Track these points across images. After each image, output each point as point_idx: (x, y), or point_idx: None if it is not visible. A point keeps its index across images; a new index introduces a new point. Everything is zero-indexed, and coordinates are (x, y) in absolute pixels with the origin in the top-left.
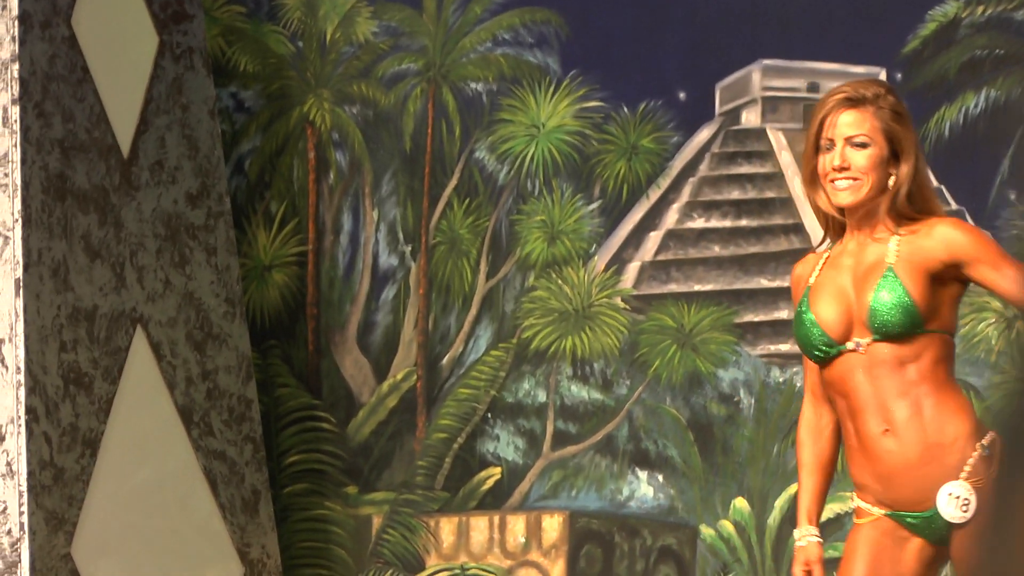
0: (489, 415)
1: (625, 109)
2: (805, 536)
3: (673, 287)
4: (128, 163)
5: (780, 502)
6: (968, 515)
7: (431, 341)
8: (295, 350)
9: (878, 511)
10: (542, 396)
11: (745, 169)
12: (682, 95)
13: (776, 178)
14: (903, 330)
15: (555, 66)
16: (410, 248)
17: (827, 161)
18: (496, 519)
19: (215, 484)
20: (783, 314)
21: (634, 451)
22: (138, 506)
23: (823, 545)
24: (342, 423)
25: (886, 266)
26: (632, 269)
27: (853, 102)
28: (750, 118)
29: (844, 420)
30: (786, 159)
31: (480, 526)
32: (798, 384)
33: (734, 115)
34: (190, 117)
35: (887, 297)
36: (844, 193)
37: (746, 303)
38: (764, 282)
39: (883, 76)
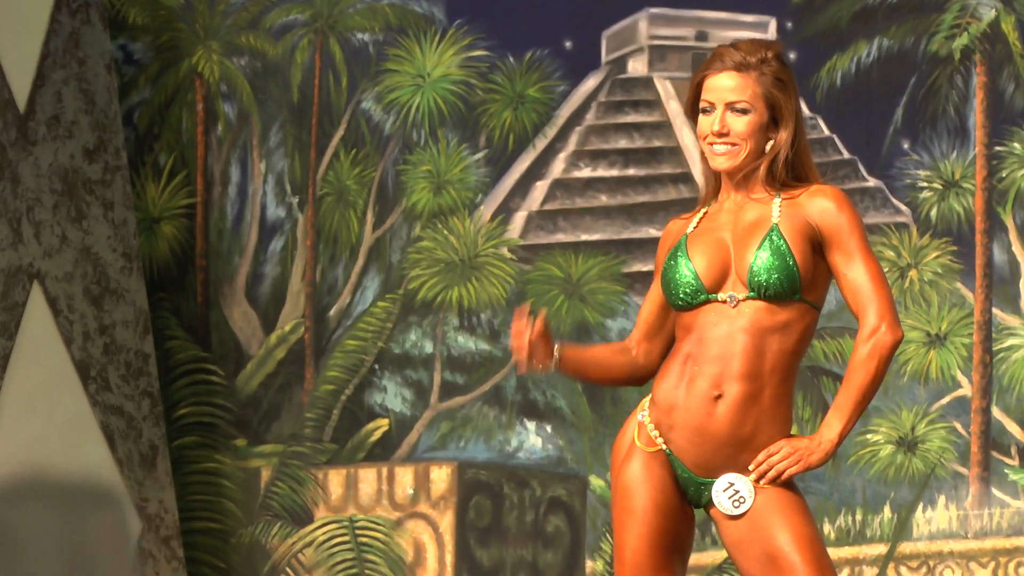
0: (376, 366)
1: (511, 58)
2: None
3: (560, 237)
4: (24, 118)
5: None
6: (737, 512)
7: (319, 292)
8: (184, 302)
9: (661, 444)
10: (429, 347)
11: (632, 118)
12: (568, 44)
13: (664, 127)
14: (781, 291)
15: (441, 15)
16: (297, 199)
17: (707, 123)
18: (384, 471)
19: (112, 439)
20: None
21: (522, 402)
22: (34, 461)
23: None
24: (231, 375)
25: (770, 225)
26: (519, 219)
27: (737, 66)
28: (637, 67)
29: (679, 362)
30: (674, 108)
31: (368, 478)
32: None
33: (620, 64)
34: (87, 71)
35: (769, 256)
36: (722, 158)
37: (634, 253)
38: (652, 231)
39: (773, 25)
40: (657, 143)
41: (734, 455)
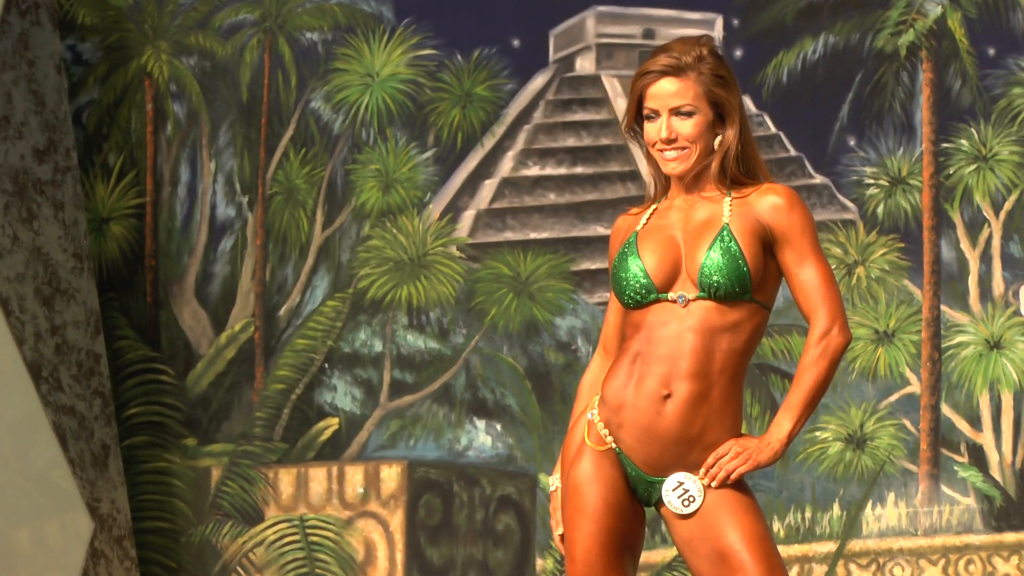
0: (326, 365)
1: (459, 57)
2: (555, 482)
3: (509, 235)
4: None
5: None
6: (687, 511)
7: (268, 292)
8: (134, 302)
9: (611, 443)
10: (379, 346)
11: (580, 116)
12: (516, 42)
13: (611, 125)
14: (731, 292)
15: (389, 15)
16: (247, 199)
17: (654, 131)
18: (335, 470)
19: (64, 439)
20: None
21: (472, 400)
22: None
23: None
24: (181, 375)
25: (721, 225)
26: (467, 217)
27: (675, 70)
28: (584, 65)
29: (627, 361)
30: (621, 106)
31: (319, 477)
32: None
33: (568, 62)
34: (36, 72)
35: (720, 256)
36: (674, 163)
37: (582, 251)
38: (600, 229)
39: (719, 23)
40: (605, 141)
41: (683, 454)
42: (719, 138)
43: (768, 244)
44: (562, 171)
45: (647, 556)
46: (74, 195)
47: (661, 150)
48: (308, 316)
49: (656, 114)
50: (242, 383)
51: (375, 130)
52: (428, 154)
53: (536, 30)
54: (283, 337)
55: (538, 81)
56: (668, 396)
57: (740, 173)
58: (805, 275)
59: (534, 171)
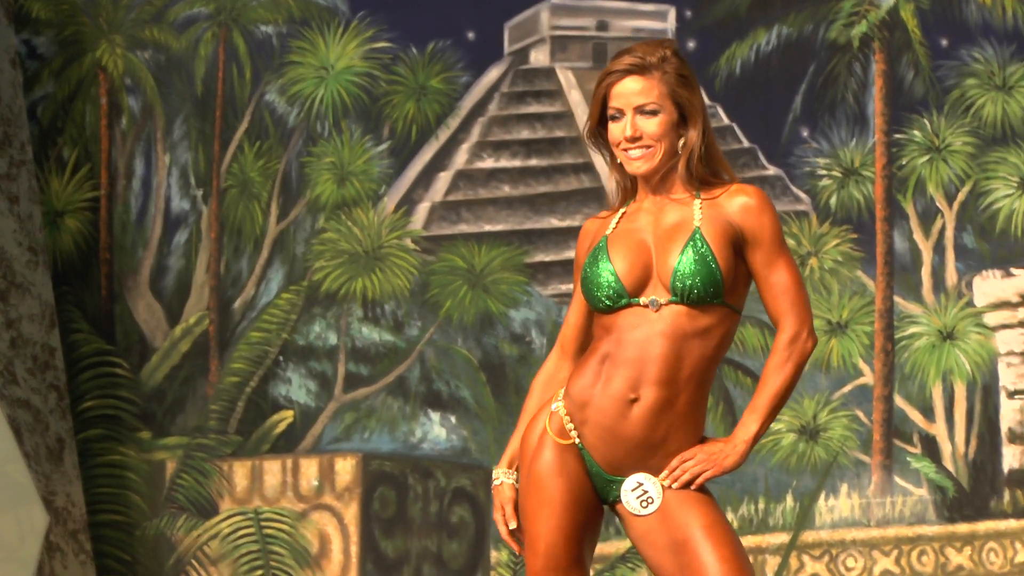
0: (281, 358)
1: (414, 49)
2: (500, 476)
3: (463, 227)
4: None
5: None
6: (645, 512)
7: (223, 285)
8: (88, 295)
9: (575, 437)
10: (333, 338)
11: (534, 109)
12: (471, 35)
13: (565, 117)
14: (704, 295)
15: (344, 7)
16: (202, 192)
17: (618, 130)
18: (289, 462)
19: (20, 433)
20: (573, 253)
21: (426, 392)
22: None
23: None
24: (136, 368)
25: (692, 228)
26: (422, 210)
27: (639, 69)
28: (539, 57)
29: (596, 361)
30: (575, 98)
31: (273, 470)
32: None
33: (523, 55)
34: None
35: (692, 260)
36: (639, 162)
37: (537, 243)
38: (555, 222)
39: (672, 14)
40: (559, 133)
41: (644, 457)
42: (683, 140)
43: (738, 246)
44: (516, 163)
45: (602, 548)
46: (29, 189)
47: (626, 149)
48: (263, 309)
49: (621, 113)
50: (197, 376)
51: (330, 123)
52: (383, 147)
53: (491, 23)
54: (238, 330)
55: (492, 73)
56: (635, 400)
57: (706, 173)
58: (776, 278)
59: (488, 163)
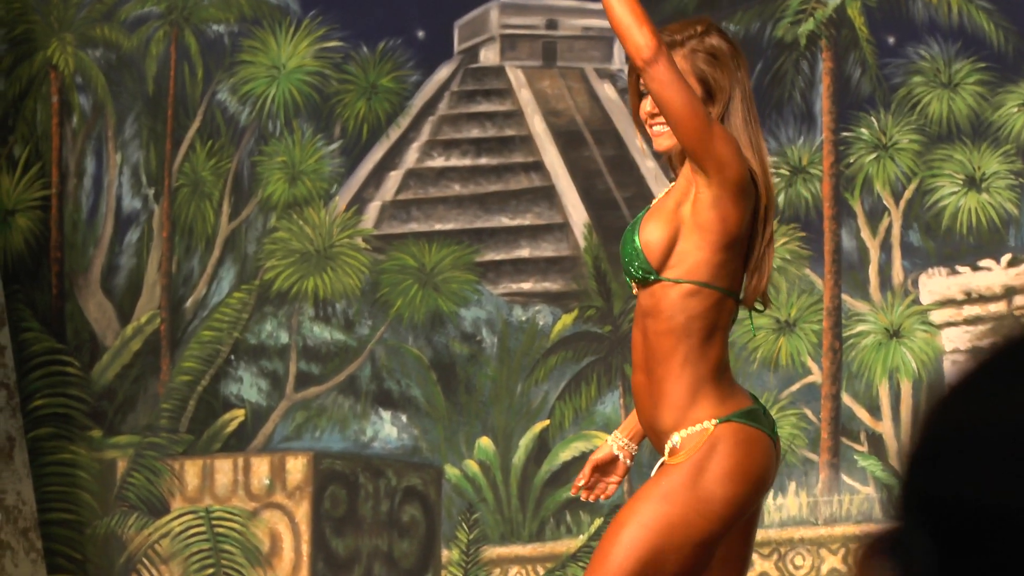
0: (232, 357)
1: (364, 48)
2: (611, 438)
3: (414, 226)
4: None
5: (524, 441)
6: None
7: (174, 284)
8: (39, 294)
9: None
10: (285, 337)
11: (484, 107)
12: (421, 33)
13: (515, 116)
14: (636, 275)
15: (295, 6)
16: (153, 191)
17: (644, 106)
18: (240, 461)
19: None
20: (524, 252)
21: (377, 391)
22: None
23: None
24: (86, 367)
25: (667, 209)
26: (373, 209)
27: (666, 46)
28: (489, 56)
29: None
30: (525, 96)
31: (224, 468)
32: (540, 322)
33: (473, 53)
34: None
35: (632, 239)
36: (660, 138)
37: (487, 242)
38: (505, 220)
39: None
40: (509, 132)
41: (656, 442)
42: None
43: (702, 205)
44: (467, 162)
45: (553, 547)
46: None
47: (651, 125)
48: (214, 308)
49: (647, 90)
50: (148, 375)
51: (281, 122)
52: (334, 146)
53: (441, 21)
54: (189, 329)
55: (443, 72)
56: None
57: None
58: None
59: (439, 162)
